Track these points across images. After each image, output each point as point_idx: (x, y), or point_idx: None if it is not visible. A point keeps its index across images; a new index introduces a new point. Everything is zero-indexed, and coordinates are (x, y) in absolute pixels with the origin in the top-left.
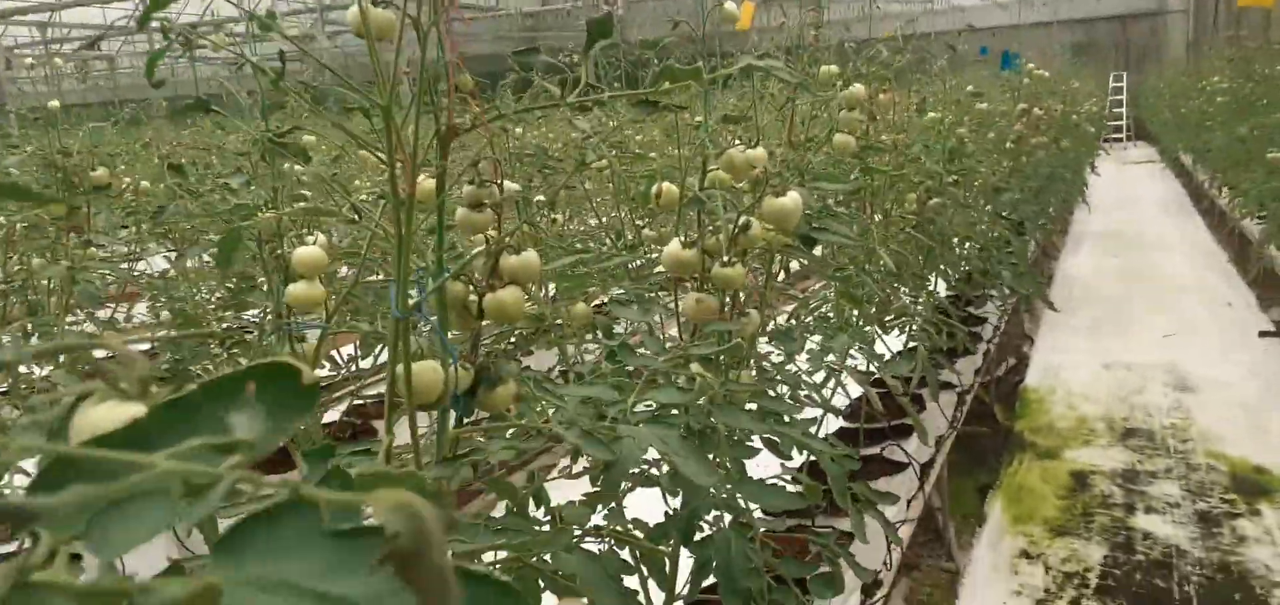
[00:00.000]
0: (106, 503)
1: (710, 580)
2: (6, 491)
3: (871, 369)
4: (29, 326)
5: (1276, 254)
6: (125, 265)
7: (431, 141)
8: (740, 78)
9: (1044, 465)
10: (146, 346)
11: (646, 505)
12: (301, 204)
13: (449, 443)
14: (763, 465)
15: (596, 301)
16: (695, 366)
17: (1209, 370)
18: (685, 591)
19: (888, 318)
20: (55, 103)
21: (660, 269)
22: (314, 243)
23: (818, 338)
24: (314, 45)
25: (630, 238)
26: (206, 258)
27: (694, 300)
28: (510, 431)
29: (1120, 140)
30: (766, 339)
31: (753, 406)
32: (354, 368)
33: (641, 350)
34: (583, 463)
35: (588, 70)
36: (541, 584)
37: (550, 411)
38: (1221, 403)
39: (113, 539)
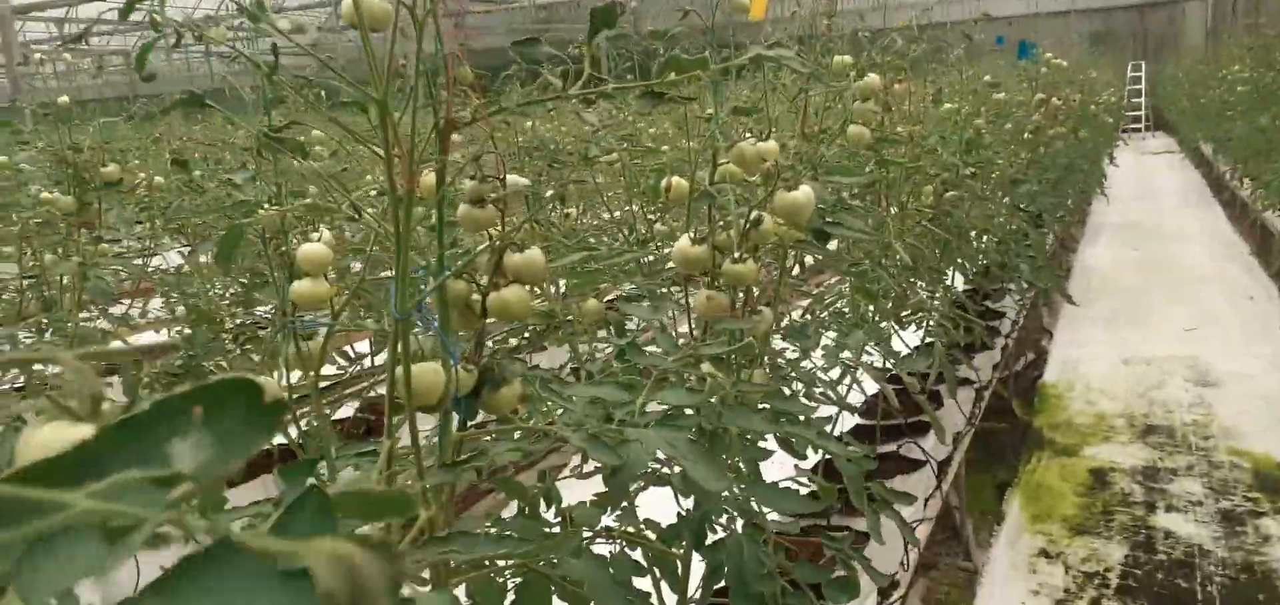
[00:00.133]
0: (32, 539)
1: (723, 583)
2: None
3: (888, 365)
4: (44, 321)
5: None
6: (140, 261)
7: (431, 136)
8: (752, 69)
9: (1063, 462)
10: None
11: (661, 504)
12: (305, 201)
13: (452, 446)
14: (777, 463)
15: (609, 296)
16: (706, 366)
17: (1231, 364)
18: (697, 594)
19: (904, 313)
20: (65, 98)
21: (672, 265)
22: (319, 239)
23: (833, 334)
24: (311, 38)
25: (642, 232)
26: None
27: (705, 297)
28: (517, 434)
29: (1139, 130)
30: (780, 336)
31: (766, 406)
32: (367, 364)
33: (651, 349)
34: (593, 462)
35: (592, 61)
36: (552, 589)
37: (557, 412)
38: (1244, 397)
39: (41, 580)
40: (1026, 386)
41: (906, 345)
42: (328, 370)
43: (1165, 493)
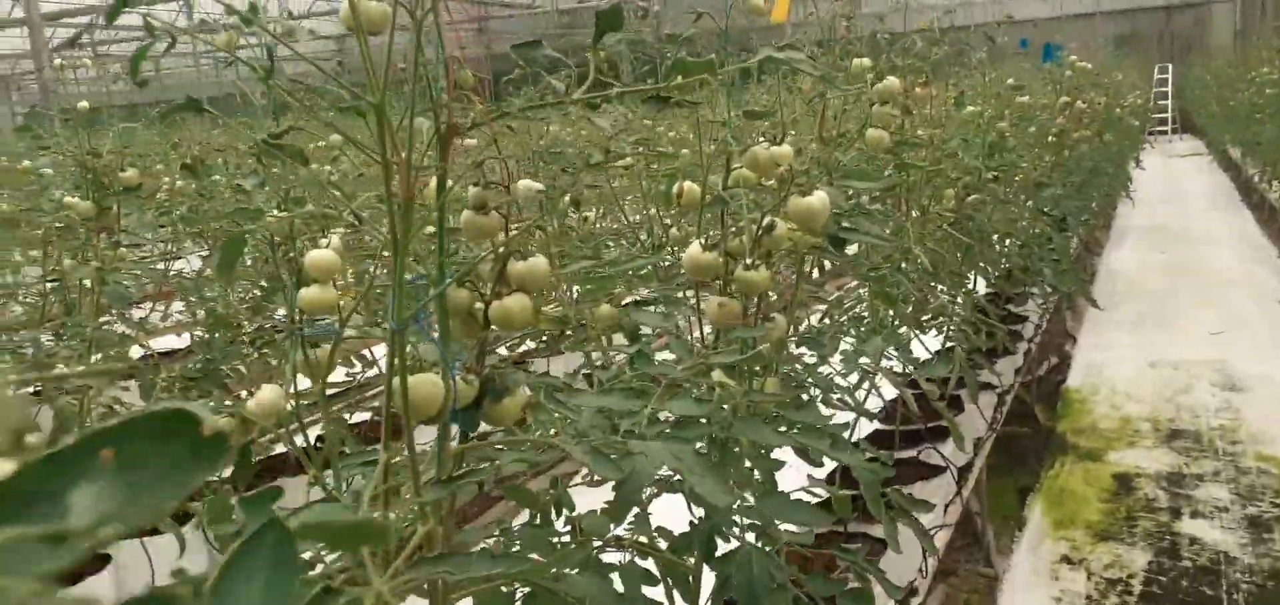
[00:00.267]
0: None
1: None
2: None
3: (908, 370)
4: (65, 325)
5: None
6: (161, 265)
7: (431, 141)
8: (767, 71)
9: (1086, 467)
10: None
11: (676, 510)
12: (308, 208)
13: (451, 459)
14: (792, 470)
15: (625, 301)
16: (717, 375)
17: (1259, 368)
18: None
19: (924, 317)
20: (84, 104)
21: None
22: (327, 245)
23: (851, 339)
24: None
25: (657, 236)
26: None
27: (716, 304)
28: (525, 445)
29: (1165, 133)
30: (796, 342)
31: (779, 415)
32: (384, 368)
33: (661, 356)
34: None
35: (609, 65)
36: None
37: (563, 422)
38: (1272, 401)
39: None
40: (1050, 391)
41: (927, 350)
42: (347, 374)
43: (1191, 498)
